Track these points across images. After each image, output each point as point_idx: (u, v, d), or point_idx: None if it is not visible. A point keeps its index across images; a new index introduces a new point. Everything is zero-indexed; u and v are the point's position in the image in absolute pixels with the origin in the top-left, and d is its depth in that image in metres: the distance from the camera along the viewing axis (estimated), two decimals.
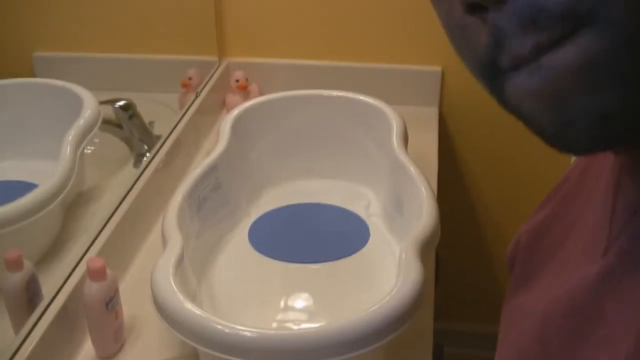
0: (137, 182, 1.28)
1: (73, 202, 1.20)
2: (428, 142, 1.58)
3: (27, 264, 0.96)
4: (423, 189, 1.11)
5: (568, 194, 0.60)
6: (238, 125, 1.32)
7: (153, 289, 0.92)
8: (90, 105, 1.23)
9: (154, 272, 0.94)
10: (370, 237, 1.22)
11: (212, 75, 1.70)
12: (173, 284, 0.90)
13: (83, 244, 1.11)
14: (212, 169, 1.21)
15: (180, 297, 0.88)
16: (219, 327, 0.84)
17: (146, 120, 1.40)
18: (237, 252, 1.20)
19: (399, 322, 0.86)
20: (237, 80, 1.69)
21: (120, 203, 1.22)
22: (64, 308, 0.99)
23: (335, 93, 1.40)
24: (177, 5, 1.60)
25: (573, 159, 1.52)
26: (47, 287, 1.01)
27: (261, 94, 1.73)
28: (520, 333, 0.55)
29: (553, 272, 0.55)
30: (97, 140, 1.26)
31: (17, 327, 0.94)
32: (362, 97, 1.38)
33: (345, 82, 1.70)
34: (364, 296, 1.07)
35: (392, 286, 0.89)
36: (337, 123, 1.40)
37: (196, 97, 1.59)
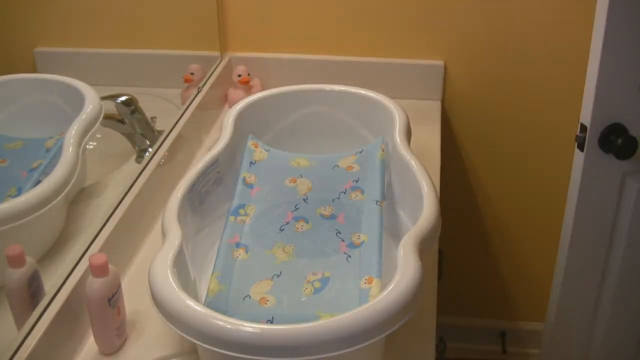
0: (140, 177, 1.28)
1: (76, 198, 1.21)
2: (431, 135, 1.58)
3: (30, 260, 0.96)
4: (424, 184, 1.10)
5: None
6: (240, 119, 1.32)
7: (151, 284, 0.92)
8: (92, 100, 1.23)
9: (151, 267, 0.94)
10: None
11: (214, 70, 1.70)
12: (171, 278, 0.91)
13: (85, 239, 1.11)
14: (214, 163, 1.21)
15: (178, 292, 0.88)
16: (220, 322, 0.84)
17: (148, 115, 1.40)
18: None
19: (396, 317, 0.86)
20: (240, 75, 1.69)
21: (123, 198, 1.22)
22: (67, 304, 0.99)
23: (337, 87, 1.39)
24: (179, 1, 1.60)
25: (575, 154, 1.52)
26: (50, 283, 1.01)
27: (263, 88, 1.73)
28: None
29: None
30: (99, 136, 1.27)
31: (19, 323, 0.95)
32: (364, 92, 1.38)
33: (348, 77, 1.70)
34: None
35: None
36: (340, 117, 1.40)
37: (198, 92, 1.59)
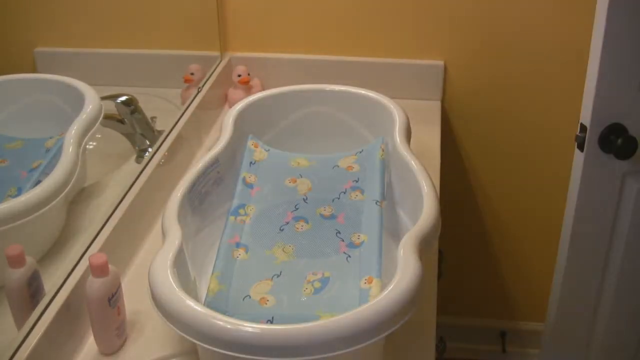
0: (140, 177, 1.28)
1: (76, 198, 1.20)
2: (431, 135, 1.58)
3: (29, 260, 0.96)
4: (424, 184, 1.10)
5: None
6: (240, 119, 1.32)
7: (151, 284, 0.92)
8: (92, 100, 1.23)
9: (151, 267, 0.94)
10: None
11: (214, 70, 1.70)
12: (171, 278, 0.91)
13: (85, 239, 1.11)
14: (214, 163, 1.21)
15: (178, 292, 0.88)
16: (220, 322, 0.84)
17: (148, 115, 1.40)
18: None
19: (396, 317, 0.86)
20: (240, 75, 1.69)
21: (123, 198, 1.22)
22: (67, 304, 0.99)
23: (337, 88, 1.39)
24: (179, 1, 1.60)
25: (574, 154, 1.51)
26: (50, 283, 1.01)
27: (263, 88, 1.73)
28: None
29: None
30: (99, 136, 1.27)
31: (19, 323, 0.95)
32: (364, 92, 1.38)
33: (348, 77, 1.70)
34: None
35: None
36: (340, 117, 1.40)
37: (198, 92, 1.59)
